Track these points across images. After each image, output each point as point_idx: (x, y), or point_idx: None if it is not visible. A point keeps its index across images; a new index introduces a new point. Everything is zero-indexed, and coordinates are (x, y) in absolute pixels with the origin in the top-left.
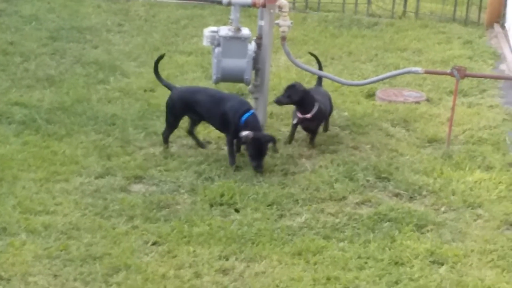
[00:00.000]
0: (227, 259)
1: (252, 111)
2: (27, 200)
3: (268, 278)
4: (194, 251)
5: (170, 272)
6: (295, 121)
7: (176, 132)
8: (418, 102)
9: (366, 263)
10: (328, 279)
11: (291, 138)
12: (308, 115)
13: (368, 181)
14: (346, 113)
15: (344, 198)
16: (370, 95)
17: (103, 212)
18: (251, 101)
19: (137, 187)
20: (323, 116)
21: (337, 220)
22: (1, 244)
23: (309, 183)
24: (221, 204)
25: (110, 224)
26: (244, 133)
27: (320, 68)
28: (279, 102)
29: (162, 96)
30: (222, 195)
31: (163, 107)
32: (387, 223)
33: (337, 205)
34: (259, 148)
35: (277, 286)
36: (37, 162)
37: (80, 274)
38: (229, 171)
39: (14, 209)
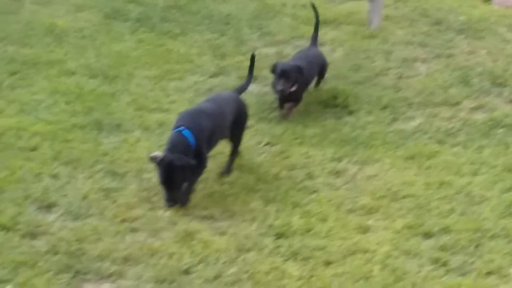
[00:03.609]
0: (339, 161)
1: (180, 128)
2: (142, 97)
3: (380, 181)
4: (307, 152)
5: (282, 173)
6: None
7: (291, 32)
8: None
9: (479, 169)
10: (441, 184)
11: (282, 106)
12: (293, 88)
13: (483, 86)
14: (462, 17)
15: (458, 103)
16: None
17: None
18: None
19: (250, 87)
20: (306, 85)
21: (451, 125)
22: (116, 140)
23: (423, 87)
24: (335, 106)
25: None
26: (154, 153)
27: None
28: (283, 91)
29: None
30: (335, 97)
31: (278, 8)
32: (502, 129)
33: (451, 110)
34: (166, 175)
35: (389, 189)
36: (151, 59)
37: None
38: (343, 72)
39: (129, 106)
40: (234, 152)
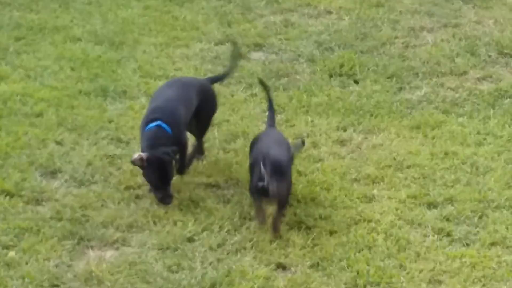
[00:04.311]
0: (344, 130)
1: (158, 122)
2: (148, 64)
3: (386, 150)
4: (312, 121)
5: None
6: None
7: (298, 1)
8: None
9: (485, 139)
10: (446, 154)
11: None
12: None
13: (490, 56)
14: None
15: (464, 73)
16: None
17: None
18: None
19: (256, 55)
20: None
21: (457, 95)
22: (121, 107)
23: (429, 57)
24: (341, 75)
25: (229, 91)
26: (135, 155)
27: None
28: (280, 195)
29: None
30: (341, 66)
31: None
32: (508, 99)
33: (457, 80)
34: (161, 173)
35: (394, 159)
36: (158, 26)
37: None
38: (350, 41)
39: (135, 73)
40: (199, 142)
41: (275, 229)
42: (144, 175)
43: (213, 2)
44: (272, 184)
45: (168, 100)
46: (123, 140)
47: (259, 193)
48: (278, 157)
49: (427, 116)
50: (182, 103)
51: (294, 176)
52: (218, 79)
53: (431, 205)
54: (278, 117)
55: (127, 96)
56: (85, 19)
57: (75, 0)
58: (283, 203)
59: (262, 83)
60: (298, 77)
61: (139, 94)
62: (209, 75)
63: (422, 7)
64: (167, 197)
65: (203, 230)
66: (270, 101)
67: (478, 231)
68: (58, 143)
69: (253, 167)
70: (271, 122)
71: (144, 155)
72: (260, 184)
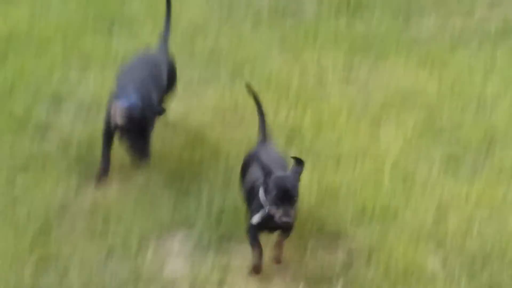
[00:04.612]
0: (351, 67)
1: None
2: None
3: (392, 86)
4: (318, 57)
5: (293, 78)
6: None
7: None
8: None
9: (492, 72)
10: (453, 89)
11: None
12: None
13: None
14: None
15: (472, 9)
16: None
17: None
18: None
19: None
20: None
21: (464, 31)
22: (127, 40)
23: None
24: (347, 11)
25: (236, 30)
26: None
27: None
28: (289, 224)
29: None
30: (348, 1)
31: None
32: None
33: (465, 16)
34: (139, 128)
35: (401, 94)
36: None
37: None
38: None
39: (141, 5)
40: None
41: (277, 260)
42: (125, 139)
43: None
44: (278, 213)
45: (138, 81)
46: None
47: (259, 228)
48: (287, 181)
49: (434, 52)
50: (154, 84)
51: (299, 112)
52: (165, 39)
53: (438, 141)
54: (282, 54)
55: (133, 29)
56: None
57: None
58: (288, 232)
59: (252, 93)
60: (304, 13)
61: (146, 27)
62: (214, 13)
63: None
64: (144, 154)
65: (210, 159)
66: (261, 113)
67: (485, 162)
68: (65, 76)
69: (250, 198)
70: (263, 137)
71: (122, 105)
72: (256, 219)
